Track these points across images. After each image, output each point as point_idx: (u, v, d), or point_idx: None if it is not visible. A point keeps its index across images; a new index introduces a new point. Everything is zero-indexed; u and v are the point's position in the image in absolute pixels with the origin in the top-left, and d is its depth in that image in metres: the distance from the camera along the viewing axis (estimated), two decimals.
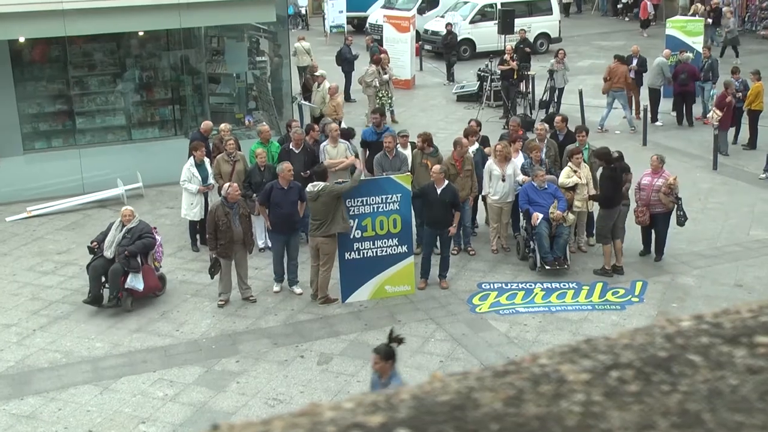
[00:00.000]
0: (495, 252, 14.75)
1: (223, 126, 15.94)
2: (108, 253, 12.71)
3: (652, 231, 14.42)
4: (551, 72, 22.53)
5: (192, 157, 14.66)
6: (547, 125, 16.19)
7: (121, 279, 12.70)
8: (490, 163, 14.60)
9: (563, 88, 22.77)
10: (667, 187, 13.89)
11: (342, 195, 12.73)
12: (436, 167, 13.46)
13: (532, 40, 28.87)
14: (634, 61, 22.63)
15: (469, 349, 11.79)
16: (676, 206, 14.03)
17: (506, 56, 23.26)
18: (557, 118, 16.47)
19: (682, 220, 14.11)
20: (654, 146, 19.54)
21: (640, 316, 12.62)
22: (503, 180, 14.41)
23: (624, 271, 13.92)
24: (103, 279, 12.85)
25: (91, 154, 18.13)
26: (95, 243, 12.92)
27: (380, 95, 22.43)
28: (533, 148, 14.64)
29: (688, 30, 24.21)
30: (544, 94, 22.51)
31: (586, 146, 14.97)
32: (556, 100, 22.64)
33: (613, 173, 13.73)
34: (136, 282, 12.73)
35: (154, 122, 19.44)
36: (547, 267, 13.82)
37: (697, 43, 23.77)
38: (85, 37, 18.13)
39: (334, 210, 12.66)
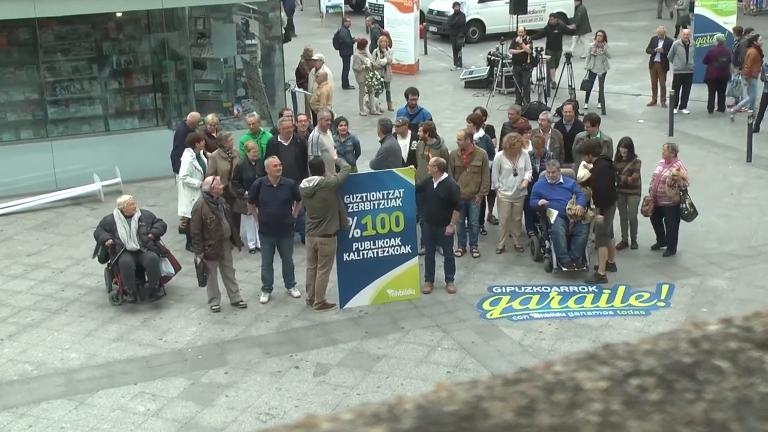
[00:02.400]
0: (500, 251, 14.73)
1: (210, 117, 15.91)
2: (131, 246, 12.97)
3: (664, 224, 14.50)
4: (568, 55, 22.48)
5: (191, 150, 14.52)
6: (550, 115, 16.29)
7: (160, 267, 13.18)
8: (500, 155, 14.60)
9: (605, 74, 22.35)
10: (670, 179, 13.92)
11: (339, 188, 12.71)
12: (432, 159, 13.44)
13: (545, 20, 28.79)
14: (660, 44, 22.61)
15: (478, 358, 11.81)
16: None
17: (518, 38, 23.23)
18: (567, 107, 16.47)
19: (684, 214, 14.12)
20: (681, 136, 19.53)
21: (667, 322, 12.62)
22: (515, 174, 14.41)
23: (606, 278, 13.82)
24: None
25: (64, 147, 18.13)
26: (111, 241, 13.02)
27: (368, 77, 22.42)
28: (536, 142, 14.70)
29: (718, 9, 24.19)
30: (586, 75, 22.25)
31: (597, 136, 14.97)
32: (589, 79, 22.36)
33: (603, 165, 13.73)
34: (167, 267, 13.24)
35: (134, 112, 19.43)
36: (564, 269, 13.82)
37: (729, 23, 23.76)
38: (58, 19, 18.13)
39: (333, 205, 12.65)
